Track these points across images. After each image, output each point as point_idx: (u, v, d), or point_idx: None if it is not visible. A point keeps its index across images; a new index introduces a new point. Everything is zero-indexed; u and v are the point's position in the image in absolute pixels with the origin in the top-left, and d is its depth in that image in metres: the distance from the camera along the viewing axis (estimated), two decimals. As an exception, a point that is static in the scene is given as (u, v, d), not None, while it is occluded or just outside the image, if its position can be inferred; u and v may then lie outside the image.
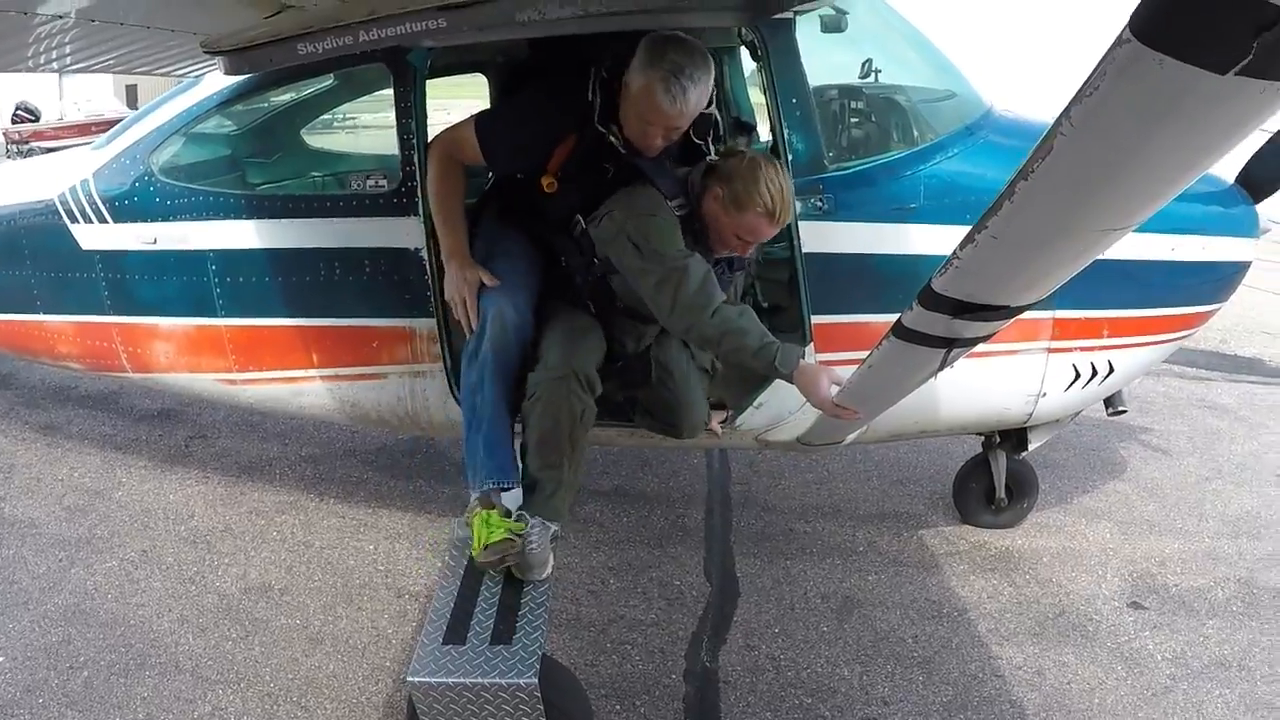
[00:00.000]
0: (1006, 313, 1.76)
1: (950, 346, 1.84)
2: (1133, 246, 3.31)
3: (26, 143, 25.97)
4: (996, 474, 4.19)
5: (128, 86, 37.65)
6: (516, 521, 2.83)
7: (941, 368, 1.95)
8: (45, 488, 4.86)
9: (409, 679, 2.48)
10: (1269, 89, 0.98)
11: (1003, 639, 3.57)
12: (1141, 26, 1.01)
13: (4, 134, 27.14)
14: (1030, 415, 3.61)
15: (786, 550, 4.21)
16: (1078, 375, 3.51)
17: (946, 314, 1.74)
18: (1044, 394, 3.52)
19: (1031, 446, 3.92)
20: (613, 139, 2.86)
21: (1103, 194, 1.30)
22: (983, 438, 4.16)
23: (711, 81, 2.75)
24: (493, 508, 2.88)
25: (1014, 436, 3.95)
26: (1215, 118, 1.06)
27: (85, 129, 24.53)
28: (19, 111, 28.41)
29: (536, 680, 2.43)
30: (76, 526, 4.45)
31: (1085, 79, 1.09)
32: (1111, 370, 3.55)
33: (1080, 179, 1.28)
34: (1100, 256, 3.02)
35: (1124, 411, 4.02)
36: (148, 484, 4.89)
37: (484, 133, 2.93)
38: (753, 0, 2.98)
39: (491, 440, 2.92)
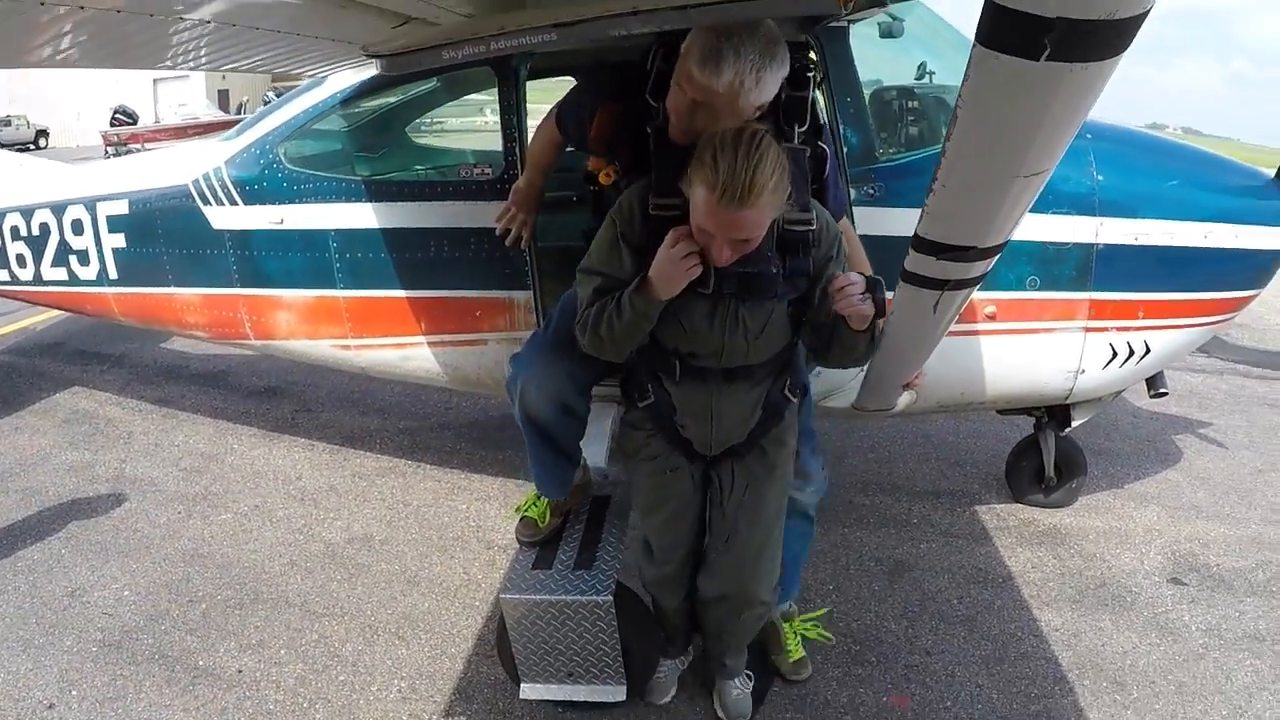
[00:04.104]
0: (976, 253, 2.05)
1: (943, 288, 2.14)
2: (1166, 232, 3.54)
3: (125, 144, 27.31)
4: (1046, 453, 4.41)
5: (219, 91, 39.37)
6: (554, 516, 3.16)
7: (938, 312, 2.24)
8: (163, 452, 5.37)
9: (502, 596, 2.85)
10: (1076, 68, 1.41)
11: (1043, 604, 3.80)
12: (981, 35, 1.47)
13: (103, 136, 28.60)
14: (1070, 391, 3.84)
15: (845, 519, 4.48)
16: (1115, 354, 3.73)
17: (931, 256, 2.06)
18: (1082, 371, 3.75)
19: (1075, 423, 4.14)
20: (654, 110, 2.46)
21: (1003, 147, 1.70)
22: (1034, 420, 4.39)
23: (769, 70, 2.26)
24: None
25: (1058, 414, 4.18)
26: (1050, 90, 1.50)
27: (181, 131, 25.73)
28: (118, 115, 29.88)
29: (611, 598, 2.78)
30: (193, 485, 4.93)
31: (965, 69, 1.57)
32: (1148, 350, 3.76)
33: (983, 137, 1.70)
34: (1134, 241, 3.24)
35: (1165, 393, 4.21)
36: (257, 450, 5.38)
37: (560, 108, 2.97)
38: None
39: (533, 466, 3.10)
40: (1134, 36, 1.40)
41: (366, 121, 4.29)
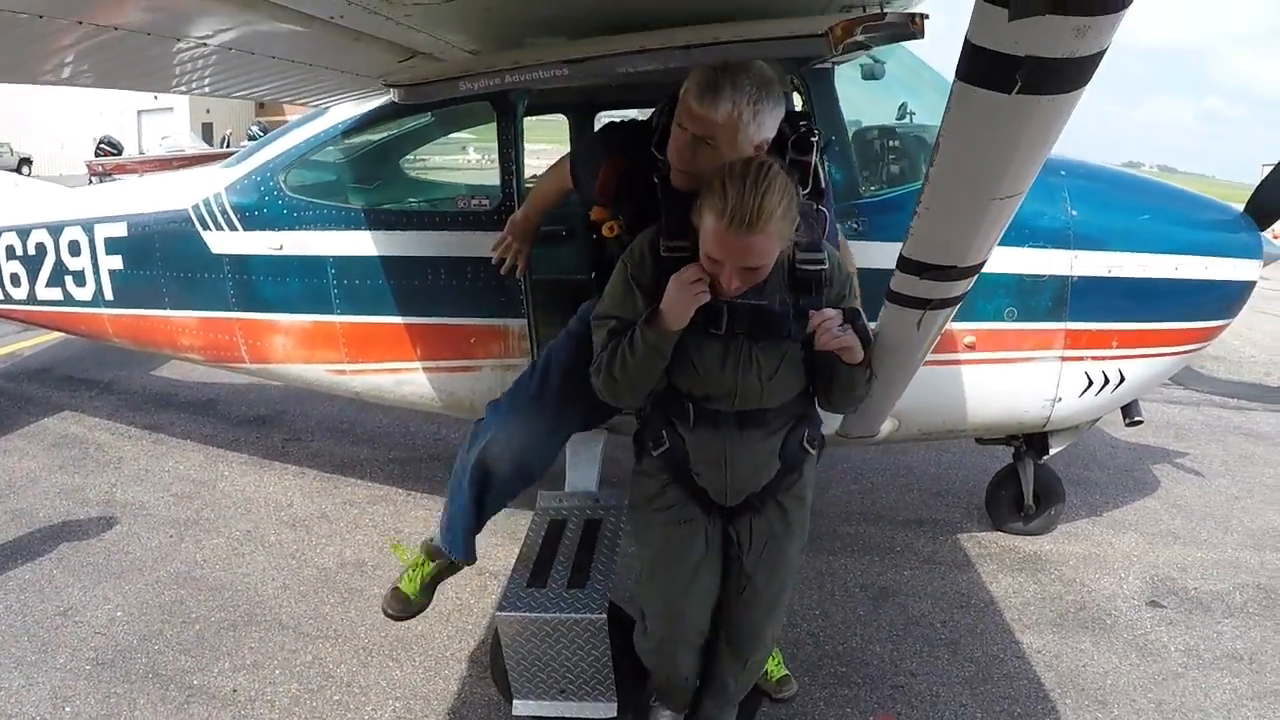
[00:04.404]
0: (956, 273, 2.17)
1: (926, 307, 2.25)
2: (1138, 265, 3.68)
3: (109, 174, 27.30)
4: (1024, 481, 4.51)
5: (204, 124, 39.53)
6: (423, 594, 3.25)
7: (921, 331, 2.35)
8: (153, 477, 5.39)
9: (497, 614, 2.90)
10: (1044, 100, 1.59)
11: (1024, 627, 3.88)
12: (961, 72, 1.63)
13: (88, 166, 28.64)
14: (1048, 419, 3.95)
15: (830, 548, 4.55)
16: (1090, 382, 3.86)
17: (915, 275, 2.18)
18: (1059, 399, 3.87)
19: (1053, 451, 4.25)
20: (660, 163, 2.51)
21: (980, 172, 1.86)
22: (1013, 450, 4.50)
23: (767, 104, 2.34)
24: (433, 559, 3.23)
25: (1037, 442, 4.29)
26: (1022, 119, 1.67)
27: (166, 163, 25.70)
28: (103, 146, 29.90)
29: (605, 616, 2.84)
30: (184, 509, 4.95)
31: (946, 103, 1.73)
32: (1123, 379, 3.88)
33: (962, 163, 1.86)
34: (1108, 273, 3.37)
35: (1140, 421, 4.33)
36: (248, 477, 5.41)
37: (572, 159, 3.07)
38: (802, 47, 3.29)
39: (451, 516, 3.13)
40: (1094, 72, 1.56)
41: (366, 152, 4.39)
